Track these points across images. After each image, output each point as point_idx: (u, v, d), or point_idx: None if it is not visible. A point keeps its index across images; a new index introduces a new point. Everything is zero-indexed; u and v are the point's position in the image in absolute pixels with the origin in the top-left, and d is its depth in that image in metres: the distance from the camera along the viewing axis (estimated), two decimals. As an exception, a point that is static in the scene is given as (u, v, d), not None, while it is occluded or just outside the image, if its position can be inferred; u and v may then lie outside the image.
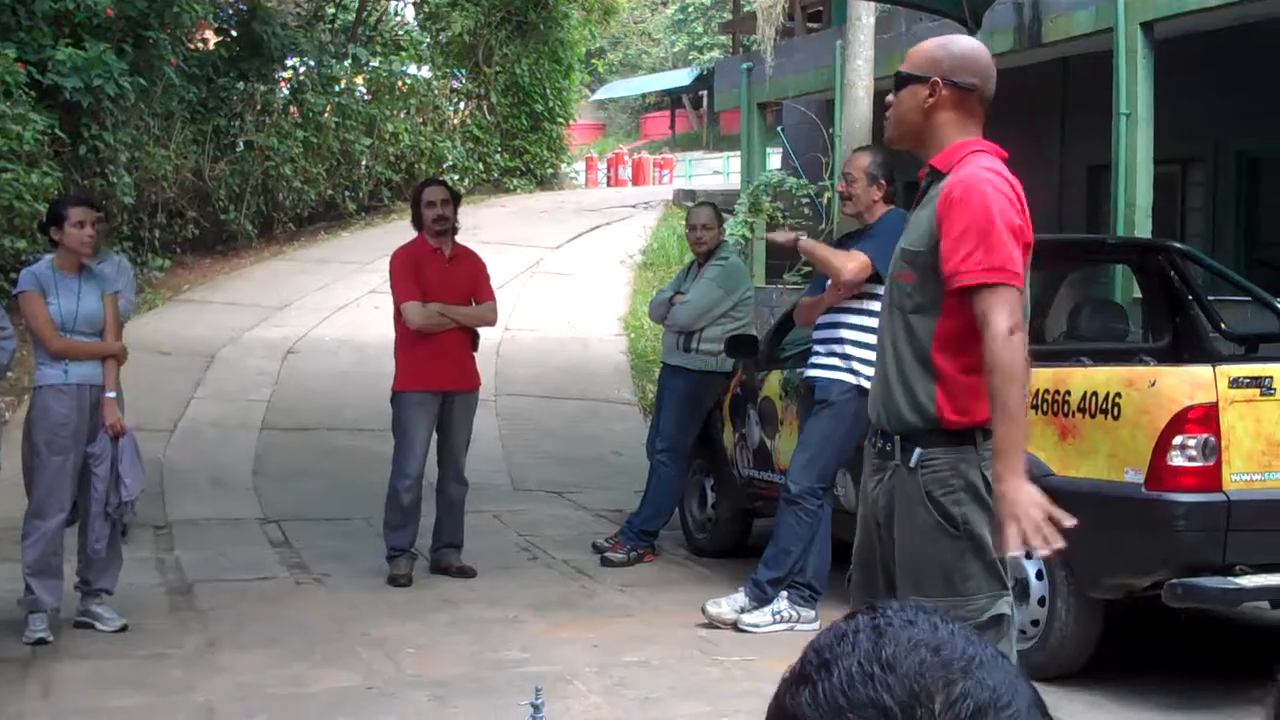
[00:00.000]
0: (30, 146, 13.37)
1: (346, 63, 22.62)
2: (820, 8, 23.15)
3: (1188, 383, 5.87)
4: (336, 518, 10.12)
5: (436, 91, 25.37)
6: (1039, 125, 15.85)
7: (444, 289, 8.42)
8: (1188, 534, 5.82)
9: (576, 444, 12.74)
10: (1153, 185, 11.75)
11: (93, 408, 7.00)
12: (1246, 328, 8.35)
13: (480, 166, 25.75)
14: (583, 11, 27.64)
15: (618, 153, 40.24)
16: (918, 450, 3.86)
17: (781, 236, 7.80)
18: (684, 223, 9.54)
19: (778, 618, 7.26)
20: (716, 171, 37.54)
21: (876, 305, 6.02)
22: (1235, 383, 5.83)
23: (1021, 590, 6.21)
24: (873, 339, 4.99)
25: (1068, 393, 6.23)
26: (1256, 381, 5.87)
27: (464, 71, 26.25)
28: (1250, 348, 7.94)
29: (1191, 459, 5.78)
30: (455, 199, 8.70)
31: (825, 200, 16.24)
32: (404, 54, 25.46)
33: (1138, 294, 9.08)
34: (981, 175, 3.80)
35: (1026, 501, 3.65)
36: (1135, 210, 11.54)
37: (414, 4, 26.84)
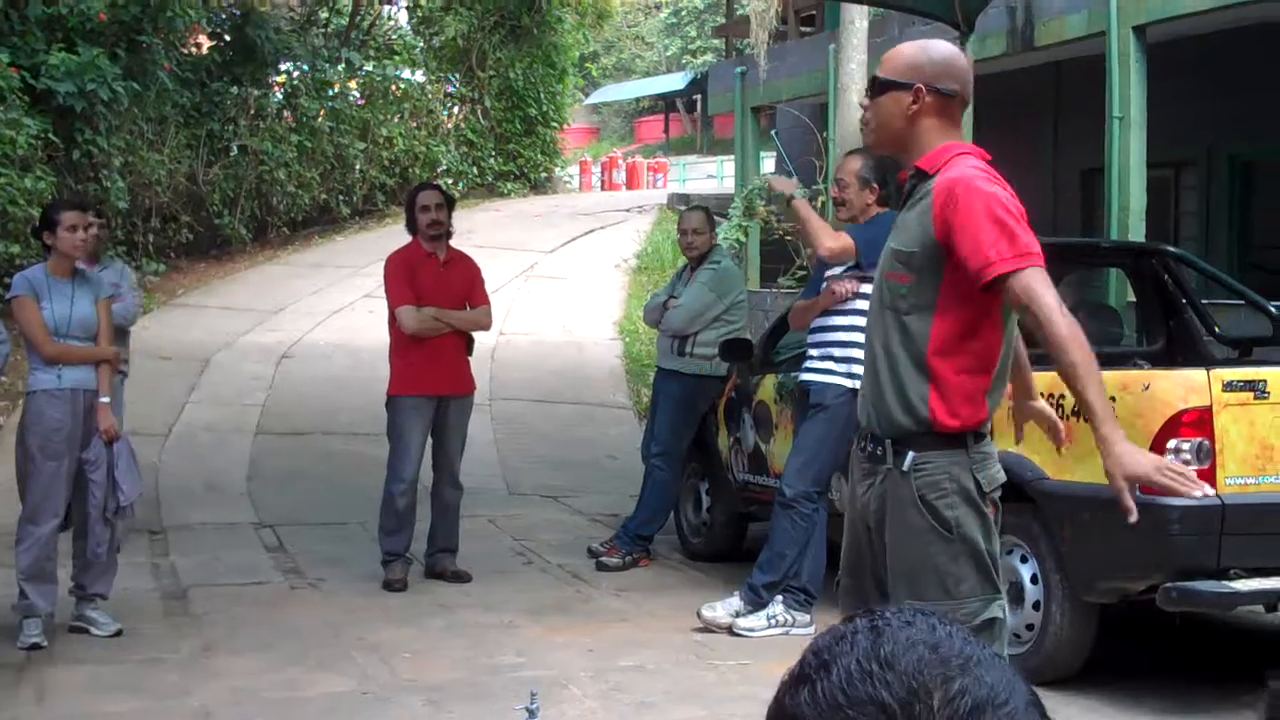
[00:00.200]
0: (23, 151, 13.36)
1: (340, 67, 22.63)
2: (813, 12, 23.15)
3: (1182, 386, 5.89)
4: (331, 522, 10.11)
5: (430, 96, 25.38)
6: (1032, 129, 15.88)
7: (439, 293, 8.42)
8: (1182, 538, 5.82)
9: (571, 448, 12.74)
10: (1146, 189, 11.77)
11: (86, 413, 7.00)
12: (1240, 331, 8.37)
13: (474, 171, 25.75)
14: (576, 16, 27.64)
15: (612, 157, 40.22)
16: (910, 454, 3.86)
17: (781, 184, 7.61)
18: (676, 227, 9.53)
19: (773, 622, 7.26)
20: (710, 175, 37.55)
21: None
22: (1229, 386, 5.84)
23: (1016, 594, 6.22)
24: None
25: (1062, 396, 6.23)
26: (1250, 385, 5.88)
27: (458, 76, 26.24)
28: (1244, 351, 7.95)
29: (1186, 462, 5.78)
30: (450, 203, 8.71)
31: (819, 204, 16.22)
32: (398, 58, 25.48)
33: (1131, 298, 9.09)
34: (976, 174, 3.81)
35: (1152, 457, 3.66)
36: (1129, 214, 11.55)
37: (407, 8, 26.84)
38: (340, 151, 21.73)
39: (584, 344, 16.31)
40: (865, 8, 12.47)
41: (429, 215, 8.48)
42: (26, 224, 12.28)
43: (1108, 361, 7.20)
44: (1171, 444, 5.78)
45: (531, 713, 4.05)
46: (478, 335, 8.77)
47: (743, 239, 16.86)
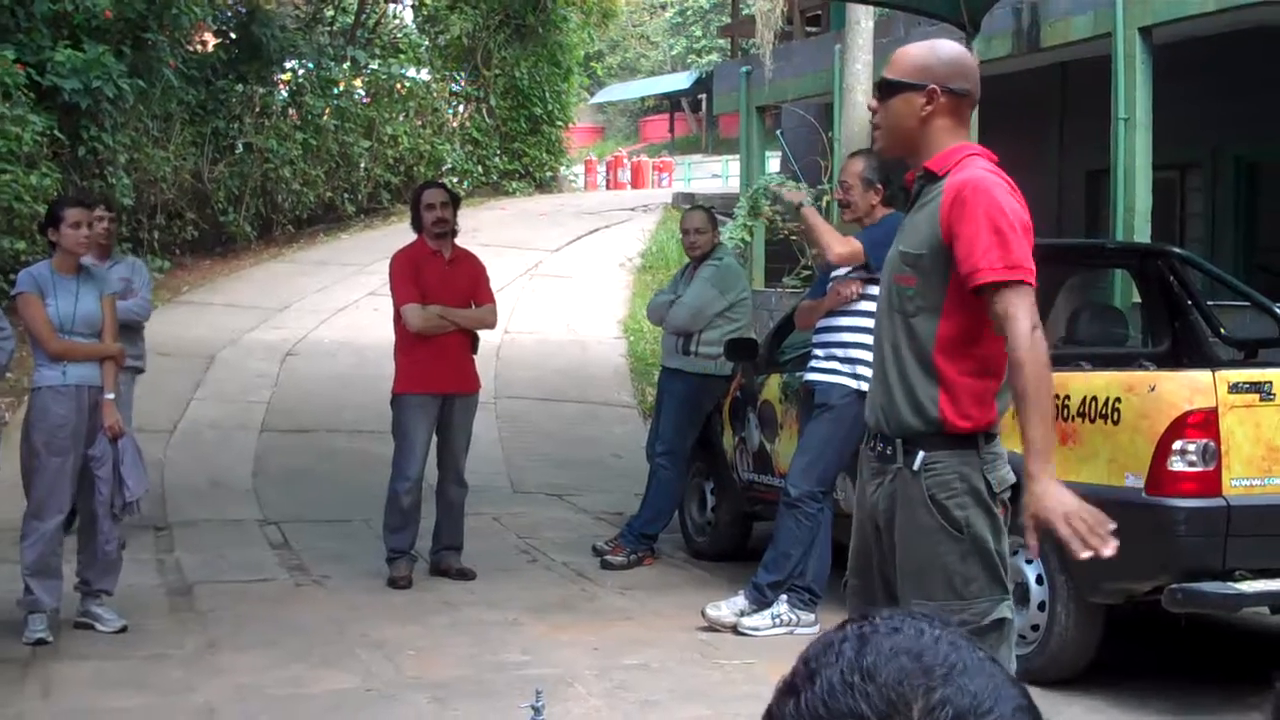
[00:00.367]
0: (29, 148, 13.39)
1: (345, 65, 22.64)
2: (819, 12, 23.16)
3: (1187, 388, 5.88)
4: (336, 520, 10.12)
5: (435, 94, 25.38)
6: (1037, 130, 15.87)
7: (444, 291, 8.42)
8: (1188, 539, 5.83)
9: (576, 447, 12.75)
10: (1151, 190, 11.76)
11: (91, 409, 7.00)
12: (1246, 333, 8.36)
13: (479, 169, 25.76)
14: (581, 15, 27.64)
15: (616, 156, 40.23)
16: (921, 453, 3.86)
17: (791, 195, 7.70)
18: (679, 226, 9.53)
19: (777, 621, 7.26)
20: (715, 175, 37.52)
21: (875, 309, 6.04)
22: (1235, 388, 5.84)
23: (1021, 595, 6.22)
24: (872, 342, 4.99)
25: (1067, 397, 6.24)
26: (1256, 387, 5.88)
27: (463, 74, 26.25)
28: (1249, 353, 7.95)
29: (1191, 464, 5.79)
30: (455, 201, 8.71)
31: (824, 204, 16.23)
32: (403, 56, 25.51)
33: (1137, 299, 9.08)
34: (986, 176, 3.81)
35: (1068, 503, 3.62)
36: (1134, 215, 11.55)
37: (413, 7, 26.86)
38: (345, 149, 21.74)
39: (588, 343, 16.31)
40: (871, 8, 12.46)
41: (434, 213, 8.48)
42: (32, 220, 12.30)
43: (1113, 363, 7.23)
44: (1177, 445, 5.78)
45: (536, 710, 4.06)
46: (482, 333, 8.77)
47: (748, 239, 16.86)
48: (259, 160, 20.03)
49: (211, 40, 20.73)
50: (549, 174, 27.66)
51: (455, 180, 23.83)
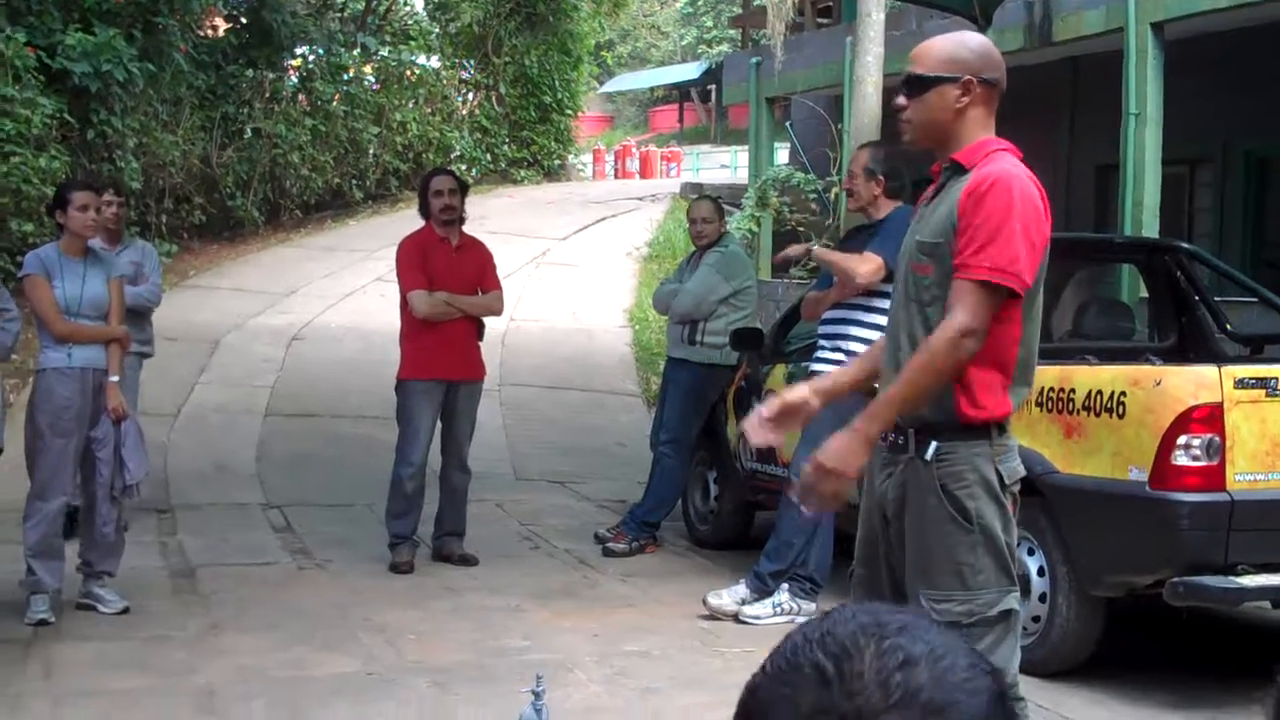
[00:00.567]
0: (38, 130, 13.39)
1: (355, 52, 22.63)
2: (830, 3, 23.11)
3: (1193, 382, 5.88)
4: (339, 504, 10.13)
5: (445, 81, 25.36)
6: (1048, 124, 15.83)
7: (450, 278, 8.42)
8: (1191, 533, 5.82)
9: (580, 435, 12.75)
10: (1161, 185, 11.73)
11: (96, 391, 7.01)
12: (1252, 328, 8.35)
13: (488, 157, 25.75)
14: (592, 4, 27.62)
15: (625, 145, 40.17)
16: (934, 443, 3.85)
17: (794, 250, 7.91)
18: (686, 215, 9.53)
19: (779, 610, 7.27)
20: (724, 165, 37.46)
21: (882, 301, 6.04)
22: (1240, 383, 5.84)
23: (1023, 587, 6.21)
24: (877, 335, 4.98)
25: (1073, 391, 6.24)
26: (1262, 382, 5.88)
27: (473, 62, 26.24)
28: (1256, 349, 7.94)
29: (1196, 459, 5.79)
30: (463, 189, 8.71)
31: (833, 196, 16.24)
32: (413, 44, 25.47)
33: (1144, 293, 9.07)
34: (1012, 174, 3.80)
35: (854, 462, 3.75)
36: (1143, 210, 11.52)
37: (423, -6, 26.86)
38: (354, 136, 21.73)
39: (594, 331, 16.31)
40: (883, 0, 12.43)
41: (442, 200, 8.48)
42: (40, 203, 12.30)
43: (1119, 356, 7.22)
44: (1182, 440, 5.78)
45: (537, 696, 4.06)
46: (488, 321, 8.77)
47: (755, 229, 16.90)
48: (268, 146, 20.03)
49: (222, 25, 20.73)
50: (557, 162, 27.65)
51: (464, 168, 23.83)
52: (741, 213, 16.74)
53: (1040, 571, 6.35)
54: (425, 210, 8.61)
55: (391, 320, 9.03)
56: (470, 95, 26.37)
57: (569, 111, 27.52)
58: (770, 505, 8.22)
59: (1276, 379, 5.90)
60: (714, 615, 7.28)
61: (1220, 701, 6.00)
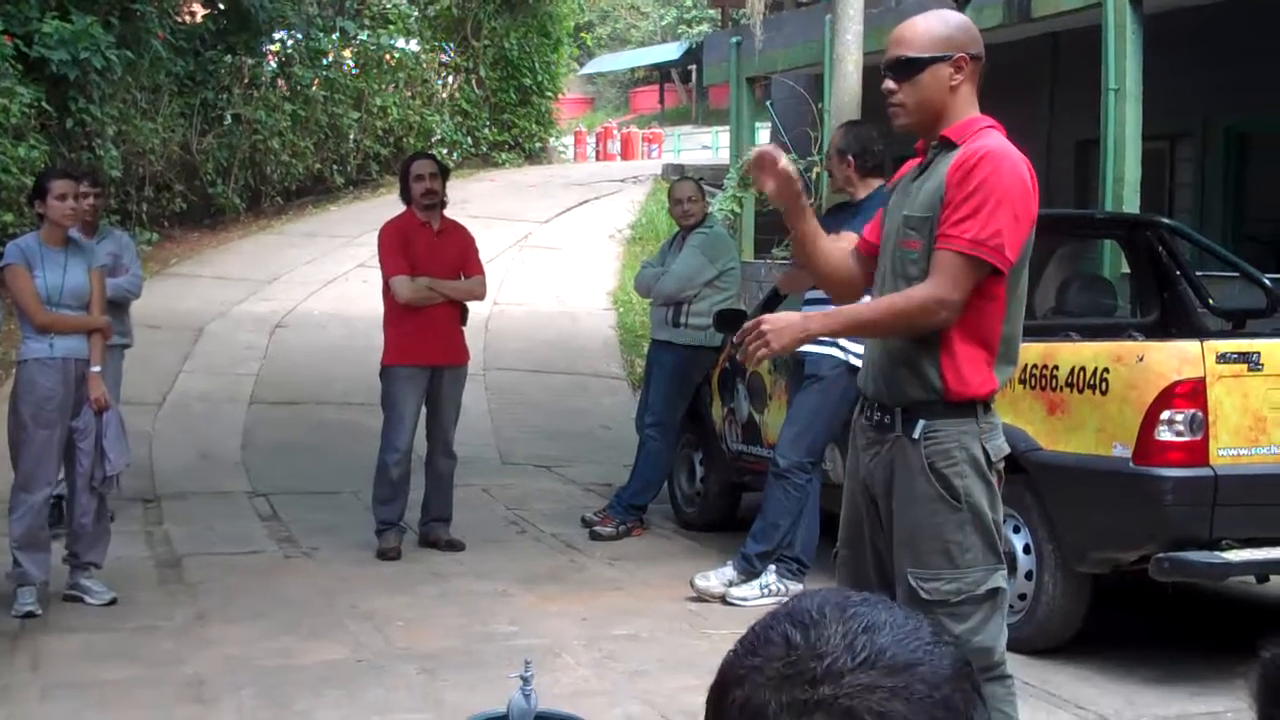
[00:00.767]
0: (17, 120, 13.32)
1: (335, 36, 22.53)
2: (809, -18, 23.05)
3: (1175, 358, 5.89)
4: (325, 491, 10.12)
5: (425, 65, 25.26)
6: (1027, 100, 15.82)
7: (433, 263, 8.40)
8: (1175, 508, 5.84)
9: (565, 418, 12.75)
10: (1141, 161, 11.73)
11: (78, 381, 6.99)
12: (1234, 303, 8.36)
13: (469, 140, 25.67)
14: (571, -15, 27.54)
15: (606, 127, 40.12)
16: (921, 422, 3.86)
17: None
18: (668, 197, 9.51)
19: (766, 591, 7.28)
20: (705, 146, 37.41)
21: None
22: (1223, 358, 5.85)
23: (1009, 564, 6.23)
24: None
25: (1056, 367, 6.25)
26: (1244, 357, 5.89)
27: (452, 45, 26.13)
28: (1238, 323, 7.96)
29: (1179, 434, 5.80)
30: (444, 173, 8.70)
31: (814, 175, 16.22)
32: (392, 27, 25.35)
33: (1126, 269, 9.08)
34: (1002, 149, 3.83)
35: (783, 337, 3.82)
36: (1124, 185, 11.52)
37: (402, -24, 26.72)
38: (334, 121, 21.65)
39: (578, 314, 16.30)
40: (861, -22, 12.41)
41: (423, 185, 8.47)
42: (20, 193, 12.26)
43: (1101, 333, 7.23)
44: (1165, 415, 5.80)
45: (525, 680, 4.06)
46: (472, 305, 8.76)
47: (737, 210, 16.88)
48: (248, 132, 19.95)
49: (200, 11, 20.62)
50: (538, 145, 27.58)
51: (444, 151, 23.75)
52: (723, 193, 16.72)
53: (1026, 549, 6.37)
54: (406, 195, 8.59)
55: (374, 306, 9.01)
56: (450, 79, 26.27)
57: (549, 94, 27.45)
58: (757, 486, 8.23)
59: (1259, 353, 5.91)
60: (701, 597, 7.30)
61: (1205, 677, 6.02)
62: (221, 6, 20.39)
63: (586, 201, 22.04)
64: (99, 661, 6.23)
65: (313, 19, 22.30)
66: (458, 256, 8.57)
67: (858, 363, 5.00)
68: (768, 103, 20.80)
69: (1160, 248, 8.04)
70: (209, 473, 10.64)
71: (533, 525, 9.27)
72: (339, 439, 11.32)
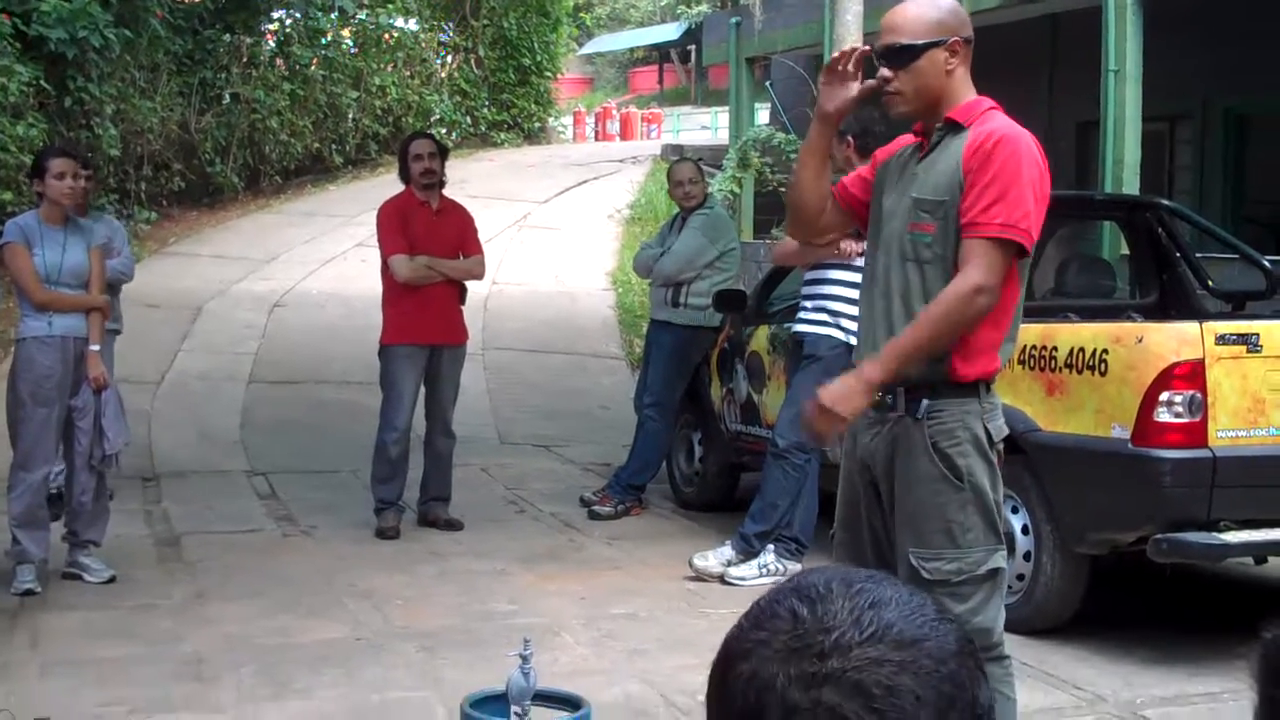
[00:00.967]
0: (15, 98, 13.29)
1: (333, 15, 22.45)
2: (809, -38, 22.99)
3: (1174, 339, 5.89)
4: (324, 470, 10.12)
5: (424, 44, 25.20)
6: (1027, 81, 15.81)
7: (431, 242, 8.40)
8: (1173, 490, 5.85)
9: (564, 398, 12.75)
10: (1141, 142, 11.73)
11: (76, 360, 6.99)
12: (1233, 285, 8.37)
13: (468, 120, 25.62)
14: (570, -35, 27.46)
15: (605, 107, 40.04)
16: (924, 401, 3.86)
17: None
18: (667, 178, 9.49)
19: (764, 571, 7.29)
20: (704, 127, 37.38)
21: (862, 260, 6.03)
22: (1222, 339, 5.85)
23: (1008, 545, 6.24)
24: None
25: (1055, 348, 6.25)
26: (1243, 338, 5.89)
27: (451, 24, 26.06)
28: (1237, 305, 7.96)
29: (1178, 415, 5.81)
30: (443, 152, 8.69)
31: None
32: (391, 6, 25.25)
33: (1125, 251, 9.08)
34: (1018, 131, 3.84)
35: (851, 405, 3.80)
36: (1123, 167, 11.51)
37: (401, -44, 26.64)
38: (333, 100, 21.60)
39: (577, 294, 16.29)
40: (861, -42, 12.37)
41: (422, 164, 8.46)
42: (19, 171, 12.23)
43: (1100, 314, 7.23)
44: (1164, 396, 5.80)
45: (524, 659, 4.07)
46: (470, 284, 8.76)
47: (736, 190, 16.87)
48: (246, 111, 19.90)
49: (199, -10, 20.55)
50: (537, 125, 27.53)
51: (443, 131, 23.69)
52: (723, 174, 16.72)
53: (1024, 530, 6.38)
54: (405, 174, 8.59)
55: (373, 285, 9.01)
56: (449, 58, 26.20)
57: (548, 74, 27.39)
58: (755, 466, 8.23)
59: (1257, 335, 5.91)
60: (700, 577, 7.31)
61: (1203, 658, 6.03)
62: (220, -15, 20.32)
63: (585, 182, 22.02)
64: (98, 639, 6.23)
65: (311, -2, 22.23)
66: (456, 236, 8.57)
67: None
68: (767, 83, 20.77)
69: (1160, 229, 8.04)
70: (208, 451, 10.65)
71: (531, 505, 9.28)
72: (338, 418, 11.32)
